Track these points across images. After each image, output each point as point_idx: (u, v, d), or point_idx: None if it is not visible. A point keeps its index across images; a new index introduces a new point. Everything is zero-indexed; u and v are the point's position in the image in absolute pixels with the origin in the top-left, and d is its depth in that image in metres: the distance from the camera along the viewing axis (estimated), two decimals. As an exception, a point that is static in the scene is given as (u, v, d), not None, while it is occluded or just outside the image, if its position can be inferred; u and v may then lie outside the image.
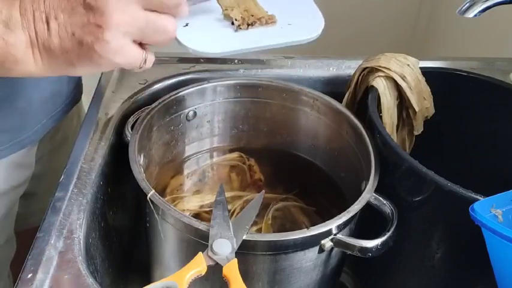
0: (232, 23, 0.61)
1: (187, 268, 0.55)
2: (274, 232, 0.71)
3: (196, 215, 0.73)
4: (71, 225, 0.63)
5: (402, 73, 0.76)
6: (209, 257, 0.56)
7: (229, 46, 0.60)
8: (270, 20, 0.63)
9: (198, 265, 0.55)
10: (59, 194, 0.66)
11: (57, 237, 0.61)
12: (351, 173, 0.75)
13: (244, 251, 0.58)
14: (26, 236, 0.72)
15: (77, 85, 0.84)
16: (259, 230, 0.72)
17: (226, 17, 0.62)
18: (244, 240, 0.58)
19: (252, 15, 0.63)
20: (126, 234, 0.80)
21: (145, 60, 0.54)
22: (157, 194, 0.61)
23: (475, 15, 0.72)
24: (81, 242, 0.62)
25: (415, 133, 0.80)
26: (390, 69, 0.75)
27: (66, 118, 0.84)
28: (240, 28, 0.61)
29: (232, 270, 0.55)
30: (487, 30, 1.13)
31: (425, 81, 0.78)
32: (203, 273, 0.55)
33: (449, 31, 1.41)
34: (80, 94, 0.87)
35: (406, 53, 0.79)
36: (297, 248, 0.60)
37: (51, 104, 0.78)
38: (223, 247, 0.56)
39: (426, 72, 0.78)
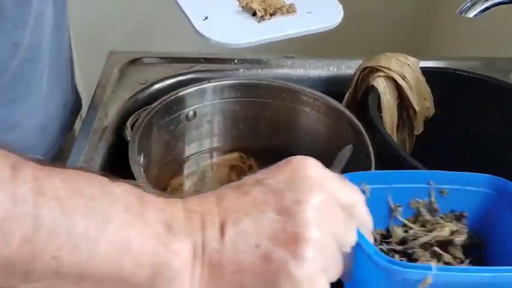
0: (253, 14, 0.62)
1: (187, 268, 0.54)
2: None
3: (196, 215, 0.73)
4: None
5: (402, 73, 0.76)
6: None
7: (252, 36, 0.60)
8: (290, 9, 0.63)
9: (198, 265, 0.55)
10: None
11: (57, 237, 0.61)
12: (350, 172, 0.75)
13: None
14: None
15: (72, 114, 0.79)
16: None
17: (246, 8, 0.63)
18: (244, 241, 0.58)
19: (271, 5, 0.63)
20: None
21: None
22: (157, 194, 0.61)
23: (476, 15, 0.72)
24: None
25: (415, 133, 0.80)
26: (390, 69, 0.75)
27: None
28: (263, 19, 0.62)
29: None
30: (488, 30, 1.13)
31: (426, 81, 0.78)
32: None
33: (449, 31, 1.41)
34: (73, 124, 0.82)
35: (407, 52, 0.79)
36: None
37: (44, 136, 0.72)
38: (223, 247, 0.56)
39: (426, 72, 0.78)
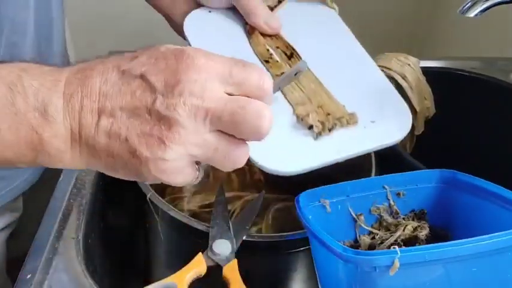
0: (310, 128, 0.52)
1: (187, 269, 0.54)
2: (274, 232, 0.71)
3: (196, 215, 0.73)
4: (70, 225, 0.62)
5: (403, 73, 0.76)
6: (209, 257, 0.56)
7: (307, 162, 0.51)
8: (351, 120, 0.53)
9: (198, 266, 0.55)
10: (58, 194, 0.66)
11: (56, 237, 0.61)
12: (351, 173, 0.74)
13: (244, 252, 0.58)
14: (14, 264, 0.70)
15: None
16: (259, 231, 0.71)
17: (300, 120, 0.53)
18: (244, 241, 0.58)
19: (329, 114, 0.53)
20: (125, 234, 0.80)
21: (198, 177, 0.45)
22: (156, 195, 0.61)
23: (476, 15, 0.72)
24: (81, 242, 0.62)
25: (416, 133, 0.80)
26: (391, 69, 0.75)
27: None
28: (320, 135, 0.52)
29: (232, 271, 0.55)
30: (488, 29, 1.13)
31: (426, 81, 0.78)
32: (203, 274, 0.55)
33: (450, 31, 1.40)
34: None
35: (407, 52, 0.79)
36: (297, 248, 0.59)
37: None
38: (223, 248, 0.56)
39: (427, 72, 0.78)
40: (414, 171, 0.57)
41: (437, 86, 0.79)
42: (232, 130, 0.41)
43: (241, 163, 0.43)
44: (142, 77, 0.40)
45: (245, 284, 0.54)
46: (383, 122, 0.53)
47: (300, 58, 0.60)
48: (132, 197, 0.66)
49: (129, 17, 1.48)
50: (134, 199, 0.68)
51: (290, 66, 0.59)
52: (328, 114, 0.53)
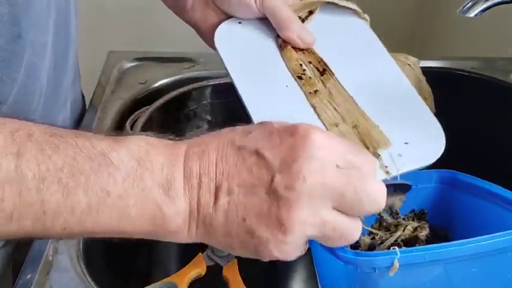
0: None
1: (188, 269, 0.54)
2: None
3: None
4: (70, 225, 0.62)
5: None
6: (209, 257, 0.56)
7: None
8: (384, 146, 0.50)
9: (198, 266, 0.55)
10: (58, 194, 0.66)
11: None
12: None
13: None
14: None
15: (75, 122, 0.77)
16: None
17: None
18: (244, 241, 0.57)
19: (366, 135, 0.51)
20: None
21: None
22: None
23: (476, 15, 0.72)
24: (81, 242, 0.62)
25: (416, 133, 0.80)
26: (391, 69, 0.75)
27: None
28: None
29: (232, 271, 0.55)
30: (488, 29, 1.13)
31: (426, 81, 0.78)
32: (203, 274, 0.55)
33: (450, 31, 1.40)
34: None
35: (407, 52, 0.79)
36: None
37: None
38: (223, 247, 0.56)
39: (427, 72, 0.78)
40: (413, 172, 0.56)
41: (438, 86, 0.79)
42: (350, 208, 0.40)
43: (353, 240, 0.42)
44: (258, 153, 0.40)
45: (245, 284, 0.54)
46: (416, 144, 0.52)
47: (333, 74, 0.58)
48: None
49: (129, 17, 1.48)
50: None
51: (323, 82, 0.57)
52: (366, 135, 0.52)
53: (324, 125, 0.53)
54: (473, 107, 0.81)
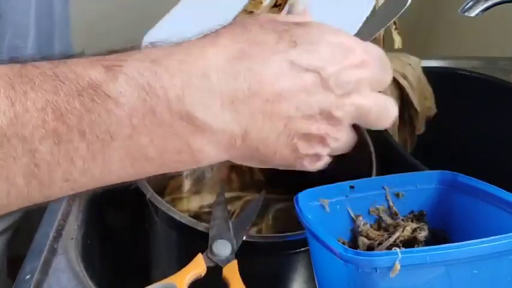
0: None
1: (187, 269, 0.54)
2: (274, 233, 0.71)
3: (196, 216, 0.73)
4: (69, 226, 0.62)
5: (403, 72, 0.76)
6: (209, 258, 0.55)
7: None
8: None
9: (198, 266, 0.55)
10: (58, 194, 0.66)
11: (56, 238, 0.61)
12: (351, 173, 0.74)
13: (245, 252, 0.57)
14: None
15: None
16: (259, 231, 0.71)
17: None
18: (244, 241, 0.57)
19: None
20: (125, 235, 0.80)
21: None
22: (156, 195, 0.61)
23: (477, 14, 0.71)
24: (80, 242, 0.62)
25: (417, 133, 0.80)
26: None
27: None
28: None
29: (232, 272, 0.54)
30: (489, 29, 1.13)
31: (427, 80, 0.78)
32: (203, 275, 0.55)
33: (451, 30, 1.40)
34: None
35: (408, 52, 0.79)
36: (297, 249, 0.59)
37: None
38: (223, 248, 0.56)
39: (428, 71, 0.78)
40: (414, 172, 0.56)
41: (438, 86, 0.79)
42: (366, 123, 0.42)
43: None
44: (315, 71, 0.37)
45: (245, 285, 0.54)
46: None
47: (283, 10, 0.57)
48: (132, 197, 0.66)
49: (130, 17, 1.47)
50: (134, 199, 0.68)
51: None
52: None
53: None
54: (473, 107, 0.81)
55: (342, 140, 0.41)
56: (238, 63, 0.34)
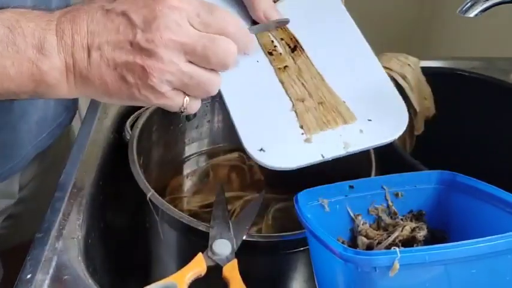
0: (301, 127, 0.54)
1: (187, 269, 0.54)
2: (274, 232, 0.71)
3: (196, 216, 0.73)
4: (70, 225, 0.63)
5: (403, 73, 0.76)
6: (209, 257, 0.56)
7: (305, 158, 0.52)
8: (350, 121, 0.54)
9: (198, 266, 0.55)
10: (58, 194, 0.66)
11: (57, 237, 0.61)
12: (351, 173, 0.74)
13: (245, 252, 0.58)
14: (11, 255, 0.70)
15: (66, 108, 0.80)
16: (259, 231, 0.71)
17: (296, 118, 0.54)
18: (244, 241, 0.58)
19: (331, 110, 0.54)
20: (125, 234, 0.80)
21: (186, 107, 0.51)
22: (156, 195, 0.61)
23: (476, 15, 0.72)
24: (81, 242, 0.62)
25: (416, 133, 0.80)
26: (391, 69, 0.75)
27: (55, 142, 0.79)
28: (309, 142, 0.53)
29: (232, 271, 0.55)
30: (488, 29, 1.13)
31: (426, 81, 0.78)
32: (203, 274, 0.55)
33: (450, 31, 1.40)
34: (70, 119, 0.82)
35: (407, 52, 0.79)
36: (297, 248, 0.59)
37: (35, 131, 0.73)
38: (223, 247, 0.56)
39: (427, 72, 0.78)
40: (413, 172, 0.56)
41: (437, 86, 0.79)
42: (203, 62, 0.48)
43: (213, 91, 0.50)
44: (124, 14, 0.47)
45: (245, 284, 0.54)
46: (379, 121, 0.54)
47: (303, 51, 0.60)
48: (132, 197, 0.66)
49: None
50: (134, 199, 0.68)
51: (293, 59, 0.59)
52: (332, 111, 0.55)
53: (291, 99, 0.56)
54: (473, 107, 0.81)
55: (177, 75, 0.47)
56: (68, 13, 0.48)
